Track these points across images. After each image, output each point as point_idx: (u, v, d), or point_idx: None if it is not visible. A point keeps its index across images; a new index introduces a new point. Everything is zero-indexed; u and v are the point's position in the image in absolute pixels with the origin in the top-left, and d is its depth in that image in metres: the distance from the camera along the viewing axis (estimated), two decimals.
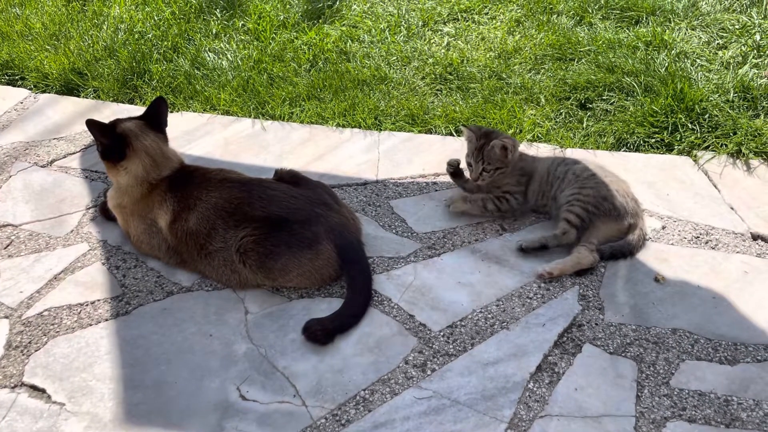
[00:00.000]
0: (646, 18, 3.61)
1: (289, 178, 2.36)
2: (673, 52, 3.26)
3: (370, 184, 2.68)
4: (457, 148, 2.84)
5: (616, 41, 3.40)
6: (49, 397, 1.91)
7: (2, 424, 1.84)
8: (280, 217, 2.14)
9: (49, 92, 3.32)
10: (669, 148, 2.82)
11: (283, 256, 2.11)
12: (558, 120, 3.00)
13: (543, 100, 3.09)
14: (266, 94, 3.16)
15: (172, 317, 2.14)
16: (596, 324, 2.09)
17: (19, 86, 3.39)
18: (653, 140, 2.85)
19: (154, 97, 2.43)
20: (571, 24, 3.64)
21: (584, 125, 2.95)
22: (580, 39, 3.46)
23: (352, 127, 2.99)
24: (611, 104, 3.03)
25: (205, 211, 2.18)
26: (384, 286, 2.23)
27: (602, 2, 3.74)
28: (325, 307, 2.15)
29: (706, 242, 2.38)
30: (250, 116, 3.07)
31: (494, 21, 3.76)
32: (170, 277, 2.28)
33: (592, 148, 2.84)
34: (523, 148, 2.83)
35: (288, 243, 2.11)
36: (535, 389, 1.90)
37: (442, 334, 2.07)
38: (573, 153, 2.79)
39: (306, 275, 2.15)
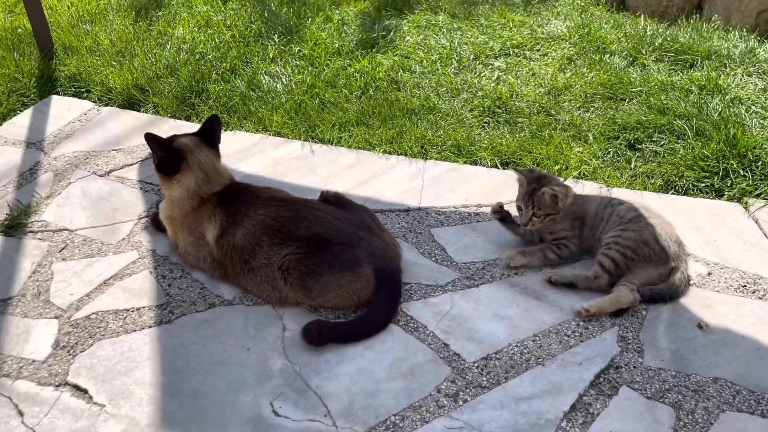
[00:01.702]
0: (701, 62, 3.59)
1: (334, 201, 2.41)
2: (727, 97, 3.22)
3: (413, 211, 2.71)
4: (502, 180, 2.86)
5: (668, 83, 3.38)
6: (90, 397, 1.97)
7: (44, 420, 1.90)
8: (323, 237, 2.19)
9: (111, 105, 3.48)
10: (719, 194, 2.77)
11: (323, 275, 2.15)
12: (606, 159, 2.99)
13: (591, 138, 3.09)
14: (317, 118, 3.24)
15: (213, 329, 2.19)
16: (635, 367, 2.05)
17: (84, 98, 3.56)
18: (703, 185, 2.80)
19: (209, 115, 2.52)
20: (623, 64, 3.64)
21: (632, 165, 2.93)
22: (632, 79, 3.45)
23: (399, 155, 3.04)
24: (661, 146, 3.01)
25: (252, 228, 2.25)
26: (420, 313, 2.24)
27: (656, 44, 3.73)
28: None
29: (754, 292, 2.32)
30: (300, 139, 3.15)
31: (546, 58, 3.79)
32: (213, 289, 2.35)
33: (639, 189, 2.81)
34: (569, 184, 2.83)
35: (329, 263, 2.15)
36: (568, 429, 1.87)
37: (476, 365, 2.06)
38: (619, 193, 2.77)
39: (344, 296, 2.18)
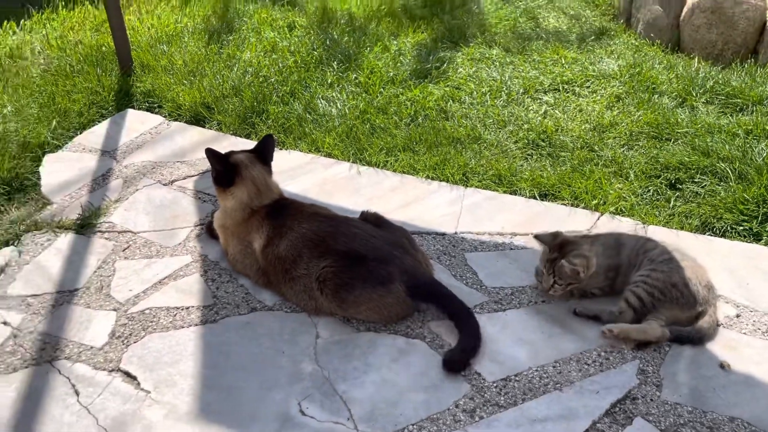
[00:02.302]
0: (752, 106, 3.59)
1: (373, 220, 2.56)
2: None
3: (449, 236, 2.83)
4: (539, 211, 2.95)
5: (715, 126, 3.41)
6: (138, 384, 2.17)
7: (97, 400, 2.11)
8: (359, 253, 2.34)
9: (180, 121, 3.76)
10: (757, 238, 2.78)
11: (356, 289, 2.29)
12: (645, 196, 3.04)
13: (632, 175, 3.14)
14: (366, 142, 3.42)
15: (252, 331, 2.37)
16: (651, 400, 2.10)
17: (156, 113, 3.85)
18: (741, 228, 2.82)
19: (265, 134, 2.72)
20: (672, 105, 3.68)
21: (671, 204, 2.97)
22: (679, 120, 3.49)
23: (441, 181, 3.18)
24: (702, 187, 3.04)
25: (294, 240, 2.42)
26: (447, 331, 2.35)
27: (707, 87, 3.75)
28: (390, 342, 2.30)
29: None
30: (348, 160, 3.33)
31: (594, 95, 3.87)
32: (256, 295, 2.53)
33: (676, 228, 2.85)
34: (604, 220, 2.90)
35: (363, 278, 2.30)
36: None
37: (495, 385, 2.16)
38: (655, 231, 2.82)
39: (375, 309, 2.32)
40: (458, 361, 2.20)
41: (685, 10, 4.33)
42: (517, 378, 2.18)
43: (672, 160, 3.18)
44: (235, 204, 2.55)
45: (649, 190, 3.07)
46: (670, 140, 3.38)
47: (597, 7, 5.19)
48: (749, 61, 4.06)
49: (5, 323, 2.38)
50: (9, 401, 2.10)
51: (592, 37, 4.61)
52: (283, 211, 2.53)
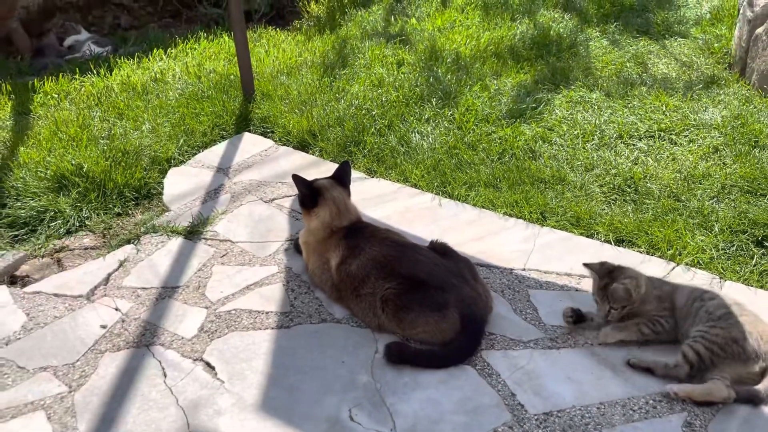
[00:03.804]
0: None
1: (439, 249, 2.74)
2: None
3: (516, 271, 2.93)
4: (612, 255, 2.97)
5: None
6: (215, 374, 2.47)
7: (179, 383, 2.43)
8: (420, 279, 2.52)
9: (287, 146, 4.15)
10: None
11: (414, 311, 2.47)
12: (727, 251, 2.97)
13: (717, 228, 3.08)
14: (450, 176, 3.61)
15: (319, 340, 2.61)
16: None
17: (268, 137, 4.26)
18: None
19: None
20: None
21: (753, 262, 2.88)
22: None
23: (518, 218, 3.29)
24: None
25: (365, 261, 2.65)
26: (498, 362, 2.46)
27: None
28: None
29: None
30: (432, 192, 3.53)
31: (691, 144, 3.80)
32: (328, 308, 2.77)
33: (754, 286, 2.77)
34: (679, 270, 2.88)
35: (420, 302, 2.48)
36: None
37: (536, 417, 2.24)
38: (731, 287, 2.76)
39: (430, 332, 2.49)
40: (396, 356, 2.43)
41: None
42: (559, 414, 2.25)
43: (763, 216, 3.09)
44: (318, 223, 2.83)
45: (732, 245, 3.00)
46: (765, 196, 3.26)
47: (712, 55, 5.06)
48: None
49: (117, 309, 2.80)
50: (110, 375, 2.47)
51: (701, 86, 4.51)
52: (359, 234, 2.77)
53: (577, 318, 2.59)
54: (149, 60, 5.40)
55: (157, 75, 5.03)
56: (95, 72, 5.08)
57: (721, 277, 2.83)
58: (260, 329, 2.68)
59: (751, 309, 2.44)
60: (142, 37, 6.39)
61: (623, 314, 2.50)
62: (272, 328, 2.68)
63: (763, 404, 2.23)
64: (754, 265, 2.87)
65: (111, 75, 5.06)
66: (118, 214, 3.49)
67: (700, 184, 3.42)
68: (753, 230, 3.04)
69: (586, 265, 2.62)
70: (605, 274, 2.53)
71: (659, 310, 2.50)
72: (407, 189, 3.59)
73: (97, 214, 3.43)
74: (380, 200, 3.50)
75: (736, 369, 2.28)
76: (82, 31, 6.35)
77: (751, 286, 2.77)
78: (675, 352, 2.40)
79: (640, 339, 2.50)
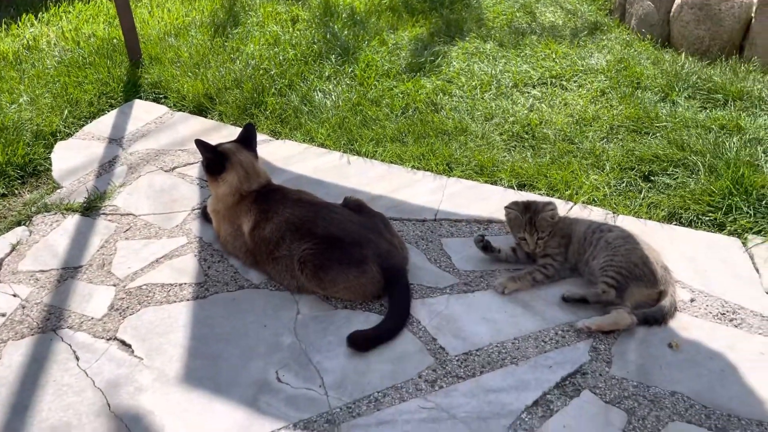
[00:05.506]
0: (732, 102, 3.70)
1: (353, 206, 2.75)
2: (745, 137, 3.34)
3: (428, 222, 3.01)
4: (516, 199, 3.10)
5: (693, 121, 3.53)
6: (132, 351, 2.39)
7: (94, 365, 2.33)
8: (336, 237, 2.53)
9: (183, 111, 3.97)
10: (721, 228, 2.92)
11: (333, 269, 2.49)
12: (618, 188, 3.18)
13: (608, 167, 3.29)
14: (357, 133, 3.60)
15: (238, 307, 2.57)
16: (600, 375, 2.27)
17: (161, 103, 4.07)
18: (706, 218, 2.96)
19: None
20: (655, 99, 3.80)
21: (642, 195, 3.11)
22: (659, 115, 3.62)
23: (425, 170, 3.35)
24: (674, 179, 3.17)
25: (279, 224, 2.62)
26: (417, 310, 2.53)
27: (690, 82, 3.87)
28: (363, 319, 2.49)
29: (731, 320, 2.47)
30: (339, 150, 3.52)
31: (581, 89, 4.00)
32: (244, 274, 2.73)
33: (644, 218, 3.00)
34: (577, 209, 3.06)
35: (339, 260, 2.49)
36: (527, 419, 2.12)
37: (457, 358, 2.34)
38: (624, 220, 2.97)
39: (351, 289, 2.51)
40: (360, 341, 2.36)
41: (674, 6, 4.44)
42: (477, 353, 2.36)
43: (647, 153, 3.32)
44: (226, 189, 2.75)
45: (622, 182, 3.21)
46: (648, 134, 3.51)
47: (594, 2, 5.30)
48: (734, 57, 4.16)
49: (15, 295, 2.62)
50: (16, 364, 2.33)
51: (585, 32, 4.72)
52: (269, 197, 2.73)
53: (485, 245, 2.74)
54: (18, 26, 4.95)
55: (30, 42, 4.63)
56: None
57: (614, 212, 3.03)
58: (175, 302, 2.60)
59: (643, 239, 2.64)
60: (6, 1, 5.83)
61: (547, 242, 2.67)
62: (188, 300, 2.61)
63: (658, 324, 2.44)
64: (643, 199, 3.10)
65: None
66: (3, 195, 3.23)
67: (591, 126, 3.63)
68: (640, 166, 3.27)
69: (507, 207, 2.77)
70: (524, 210, 2.71)
71: (556, 247, 2.68)
72: (314, 149, 3.56)
73: None
74: (288, 162, 3.45)
75: (642, 291, 2.47)
76: None
77: (641, 218, 3.00)
78: (576, 285, 2.58)
79: (533, 287, 2.64)
